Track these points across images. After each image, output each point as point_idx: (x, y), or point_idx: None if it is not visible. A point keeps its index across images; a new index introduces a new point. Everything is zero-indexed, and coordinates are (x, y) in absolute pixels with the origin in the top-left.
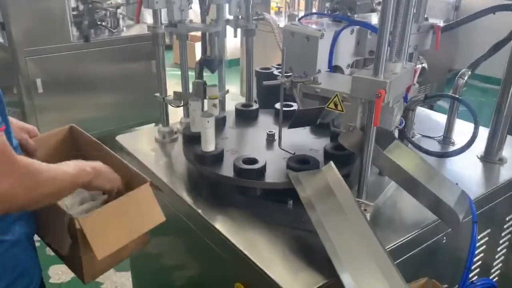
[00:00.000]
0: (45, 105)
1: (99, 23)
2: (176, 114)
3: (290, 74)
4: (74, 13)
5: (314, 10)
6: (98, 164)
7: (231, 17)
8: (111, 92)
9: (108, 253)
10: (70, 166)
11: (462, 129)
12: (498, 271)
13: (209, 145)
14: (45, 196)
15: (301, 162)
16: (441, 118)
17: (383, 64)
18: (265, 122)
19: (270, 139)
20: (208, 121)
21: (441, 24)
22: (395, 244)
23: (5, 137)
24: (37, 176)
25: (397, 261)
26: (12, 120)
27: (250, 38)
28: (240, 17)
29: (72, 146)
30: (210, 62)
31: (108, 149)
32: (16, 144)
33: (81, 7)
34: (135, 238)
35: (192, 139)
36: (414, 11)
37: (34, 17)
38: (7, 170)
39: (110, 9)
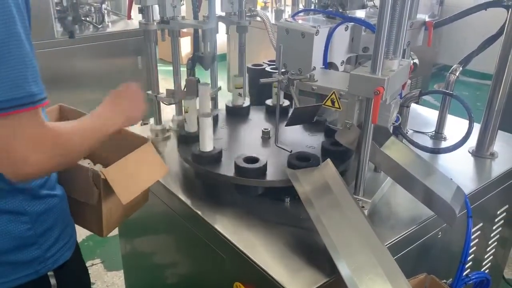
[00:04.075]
0: None
1: (83, 18)
2: (163, 110)
3: (285, 70)
4: (58, 8)
5: (301, 6)
6: (126, 108)
7: (223, 14)
8: (97, 88)
9: (131, 198)
10: (101, 119)
11: (452, 123)
12: (489, 264)
13: (207, 145)
14: (81, 153)
15: (302, 159)
16: (428, 112)
17: (381, 62)
18: (259, 119)
19: (265, 136)
20: (206, 121)
21: (426, 18)
22: (393, 241)
23: (42, 113)
24: (67, 143)
25: (395, 257)
26: None
27: (243, 35)
28: (232, 13)
29: None
30: (203, 59)
31: None
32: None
33: (65, 2)
34: (148, 186)
35: (188, 139)
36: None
37: None
38: (42, 144)
39: (95, 4)
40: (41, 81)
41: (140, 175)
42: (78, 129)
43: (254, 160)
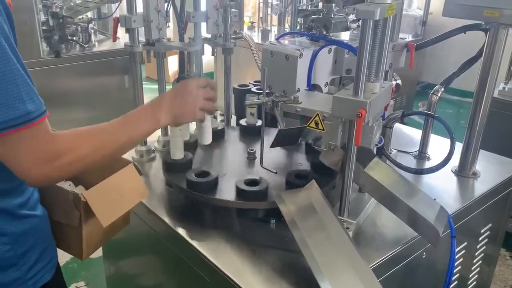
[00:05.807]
0: None
1: (70, 38)
2: None
3: (269, 92)
4: (44, 27)
5: (287, 26)
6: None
7: (209, 35)
8: (83, 108)
9: (111, 221)
10: (129, 120)
11: (436, 143)
12: (475, 282)
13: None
14: (98, 157)
15: (300, 178)
16: (412, 131)
17: (362, 84)
18: (245, 140)
19: (251, 157)
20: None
21: (409, 38)
22: (378, 262)
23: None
24: (74, 152)
25: (380, 279)
26: None
27: (229, 57)
28: (218, 35)
29: None
30: None
31: None
32: None
33: (51, 21)
34: (128, 209)
35: (174, 166)
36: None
37: None
38: (44, 158)
39: (82, 23)
40: (38, 96)
41: (121, 197)
42: (89, 135)
43: (255, 182)
